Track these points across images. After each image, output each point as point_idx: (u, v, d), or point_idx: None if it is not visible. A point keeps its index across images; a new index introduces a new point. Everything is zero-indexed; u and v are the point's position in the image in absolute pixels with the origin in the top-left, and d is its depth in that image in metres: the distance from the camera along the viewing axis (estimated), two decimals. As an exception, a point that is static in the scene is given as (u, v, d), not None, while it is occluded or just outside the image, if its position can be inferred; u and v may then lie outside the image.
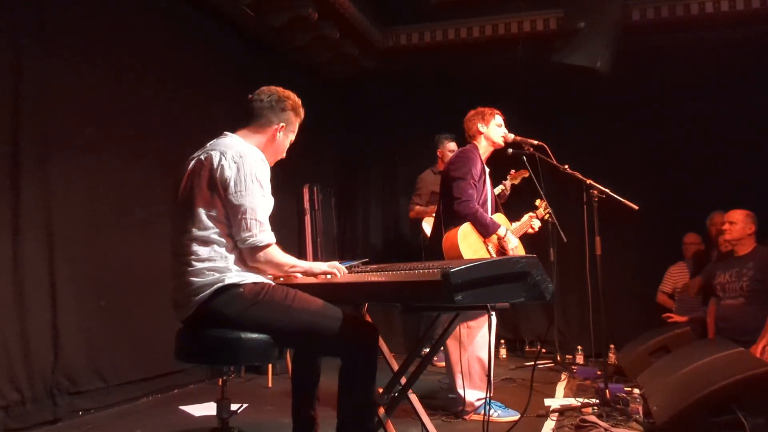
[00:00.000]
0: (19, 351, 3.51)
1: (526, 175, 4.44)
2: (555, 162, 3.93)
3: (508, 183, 4.92)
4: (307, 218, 6.32)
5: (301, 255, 6.35)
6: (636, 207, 3.78)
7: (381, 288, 2.33)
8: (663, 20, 5.99)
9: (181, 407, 4.12)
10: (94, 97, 4.11)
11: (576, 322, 6.25)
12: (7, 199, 3.54)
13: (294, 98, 2.71)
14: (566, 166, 3.93)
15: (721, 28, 5.99)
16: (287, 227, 6.12)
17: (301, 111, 2.74)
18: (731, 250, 4.53)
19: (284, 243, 6.21)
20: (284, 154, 2.75)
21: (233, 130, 2.64)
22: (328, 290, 2.57)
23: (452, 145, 5.61)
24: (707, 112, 5.96)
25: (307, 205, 6.31)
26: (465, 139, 4.13)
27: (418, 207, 5.86)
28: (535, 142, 3.97)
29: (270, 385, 4.86)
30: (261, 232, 2.39)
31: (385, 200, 7.11)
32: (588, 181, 3.85)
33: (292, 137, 2.74)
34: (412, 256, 5.94)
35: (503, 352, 6.10)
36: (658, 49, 6.16)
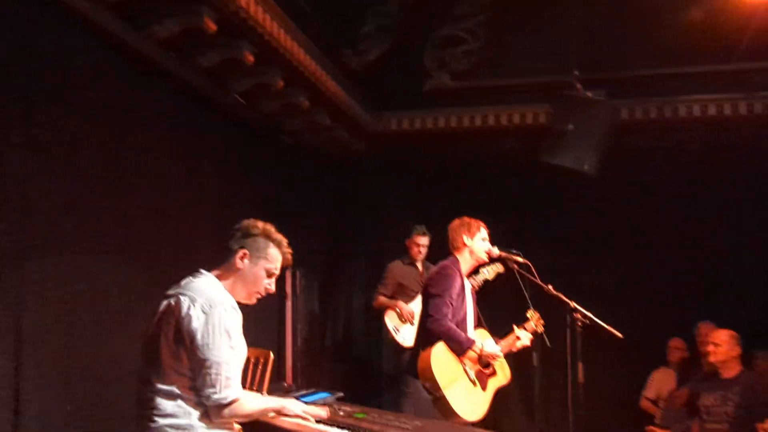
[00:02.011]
0: (-27, 467, 3.36)
1: (502, 270, 4.38)
2: (539, 281, 3.87)
3: (480, 279, 4.86)
4: (288, 303, 6.24)
5: (280, 341, 6.24)
6: (620, 335, 3.72)
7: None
8: (651, 121, 6.04)
9: None
10: (77, 192, 4.02)
11: (558, 425, 6.10)
12: (-25, 305, 3.43)
13: (263, 226, 2.62)
14: (550, 286, 3.88)
15: (709, 131, 6.06)
16: (267, 312, 6.01)
17: (275, 236, 2.63)
18: (716, 370, 4.46)
19: (264, 328, 6.04)
20: (269, 287, 2.64)
21: (209, 268, 2.57)
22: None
23: (421, 239, 5.61)
24: (693, 215, 5.99)
25: (289, 289, 6.24)
26: (447, 247, 4.10)
27: (382, 298, 5.79)
28: (520, 260, 3.93)
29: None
30: (226, 387, 2.31)
31: (370, 290, 6.99)
32: (572, 305, 3.79)
33: (267, 265, 2.60)
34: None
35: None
36: (646, 149, 6.21)
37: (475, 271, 4.84)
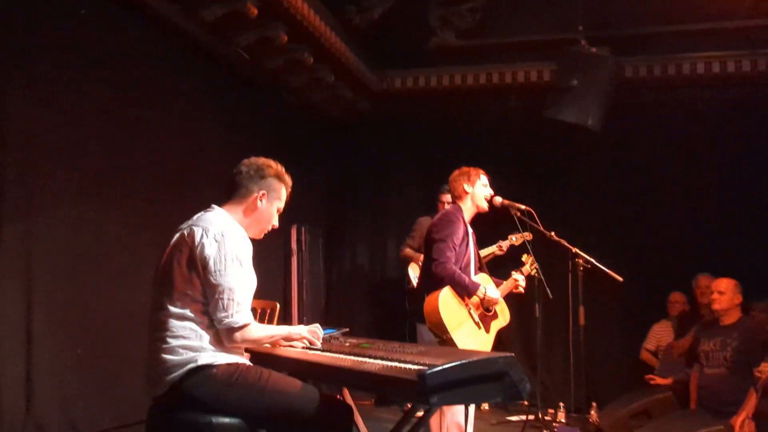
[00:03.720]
0: (-11, 403, 3.46)
1: (530, 238, 4.44)
2: (542, 228, 3.92)
3: (506, 244, 4.92)
4: (294, 259, 6.31)
5: (286, 295, 6.32)
6: (620, 279, 3.77)
7: (355, 376, 2.29)
8: (655, 78, 6.04)
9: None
10: (81, 144, 4.08)
11: (559, 375, 6.21)
12: (-13, 247, 3.51)
13: (275, 166, 2.69)
14: (552, 233, 3.92)
15: (713, 89, 6.07)
16: (274, 268, 6.09)
17: (286, 178, 2.71)
18: (716, 318, 4.52)
19: (270, 284, 6.12)
20: (275, 223, 2.72)
21: (219, 204, 2.62)
22: (304, 368, 2.55)
23: (447, 197, 5.62)
24: (695, 172, 6.01)
25: (294, 245, 6.31)
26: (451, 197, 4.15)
27: (408, 250, 5.83)
28: (523, 207, 3.97)
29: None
30: (237, 312, 2.36)
31: (374, 243, 7.08)
32: (574, 250, 3.85)
33: (278, 204, 2.70)
34: (396, 301, 5.96)
35: (485, 404, 6.04)
36: (649, 107, 6.22)
37: (503, 237, 4.93)
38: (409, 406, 3.03)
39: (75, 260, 4.00)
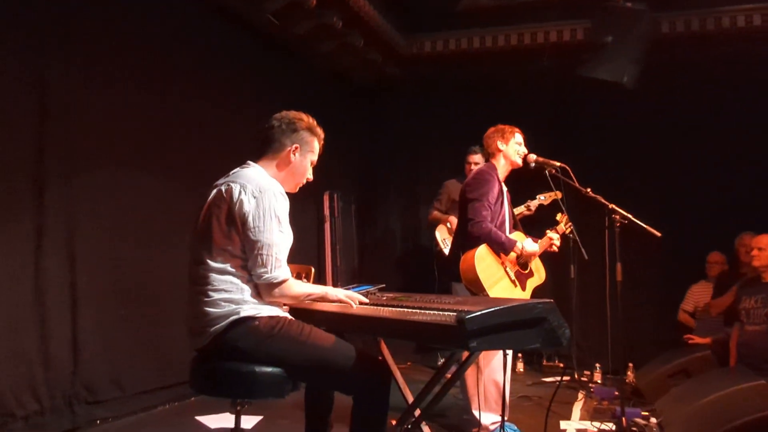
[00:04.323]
0: (39, 361, 3.59)
1: (559, 197, 4.39)
2: (577, 185, 3.87)
3: (535, 203, 4.88)
4: (327, 225, 6.36)
5: (320, 261, 6.39)
6: (659, 234, 3.71)
7: (395, 325, 2.32)
8: (693, 33, 5.85)
9: (197, 417, 4.15)
10: (119, 110, 4.16)
11: (595, 337, 6.18)
12: (31, 212, 3.61)
13: (306, 118, 2.68)
14: (588, 190, 3.87)
15: (754, 42, 5.85)
16: (307, 234, 6.14)
17: (318, 130, 2.70)
18: (758, 275, 4.45)
19: (304, 250, 6.20)
20: (310, 176, 2.72)
21: (255, 159, 2.63)
22: (342, 320, 2.58)
23: (472, 158, 5.58)
24: (735, 129, 5.85)
25: (327, 212, 6.36)
26: (485, 155, 4.11)
27: (436, 212, 5.83)
28: (558, 164, 3.91)
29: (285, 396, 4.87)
30: (277, 268, 2.39)
31: (406, 208, 7.10)
32: (610, 206, 3.78)
33: (312, 157, 2.70)
34: (428, 265, 5.95)
35: (520, 366, 6.06)
36: (687, 63, 6.05)
37: (531, 197, 4.89)
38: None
39: (116, 223, 4.10)
